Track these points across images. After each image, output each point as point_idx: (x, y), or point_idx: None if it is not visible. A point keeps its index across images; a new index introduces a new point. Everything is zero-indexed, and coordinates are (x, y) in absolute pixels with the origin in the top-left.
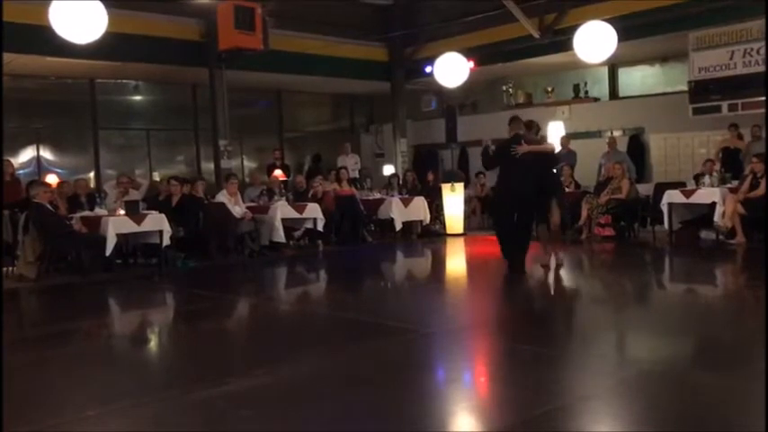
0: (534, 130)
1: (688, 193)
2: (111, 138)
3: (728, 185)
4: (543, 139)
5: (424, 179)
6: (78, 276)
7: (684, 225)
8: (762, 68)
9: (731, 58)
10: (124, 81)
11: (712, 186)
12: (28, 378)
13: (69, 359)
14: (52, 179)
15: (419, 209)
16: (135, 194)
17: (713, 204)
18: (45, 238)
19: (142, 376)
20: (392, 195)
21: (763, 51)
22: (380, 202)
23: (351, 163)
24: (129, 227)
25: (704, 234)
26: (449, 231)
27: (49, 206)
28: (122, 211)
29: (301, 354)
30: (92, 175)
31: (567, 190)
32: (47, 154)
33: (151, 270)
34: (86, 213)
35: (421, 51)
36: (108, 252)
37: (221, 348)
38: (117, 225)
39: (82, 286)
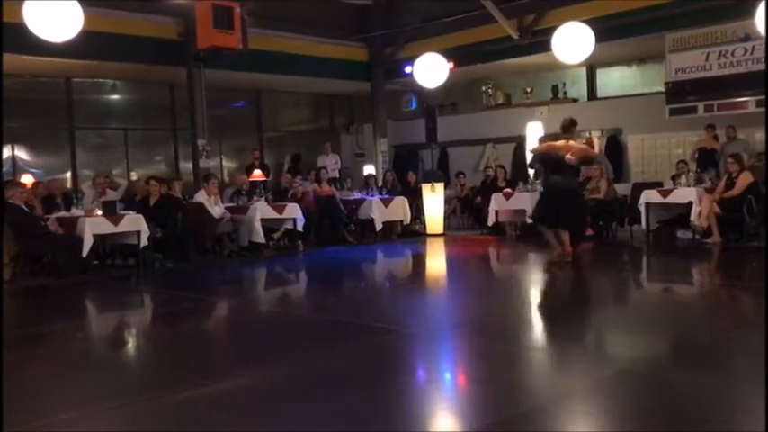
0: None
1: (665, 193)
2: (87, 137)
3: (704, 185)
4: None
5: (404, 179)
6: (54, 278)
7: (661, 225)
8: (736, 70)
9: (707, 60)
10: (101, 80)
11: (688, 186)
12: (3, 381)
13: (45, 362)
14: (27, 179)
15: (399, 209)
16: (112, 195)
17: (690, 204)
18: (20, 239)
19: (119, 379)
20: (372, 196)
21: (737, 53)
22: (360, 202)
23: (331, 163)
24: (106, 227)
25: (681, 233)
26: (429, 231)
27: (24, 207)
28: (99, 212)
29: (280, 355)
30: (68, 175)
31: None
32: (22, 154)
33: (128, 271)
34: (62, 214)
35: (401, 52)
36: (84, 253)
37: (199, 350)
38: (94, 226)
39: (58, 288)
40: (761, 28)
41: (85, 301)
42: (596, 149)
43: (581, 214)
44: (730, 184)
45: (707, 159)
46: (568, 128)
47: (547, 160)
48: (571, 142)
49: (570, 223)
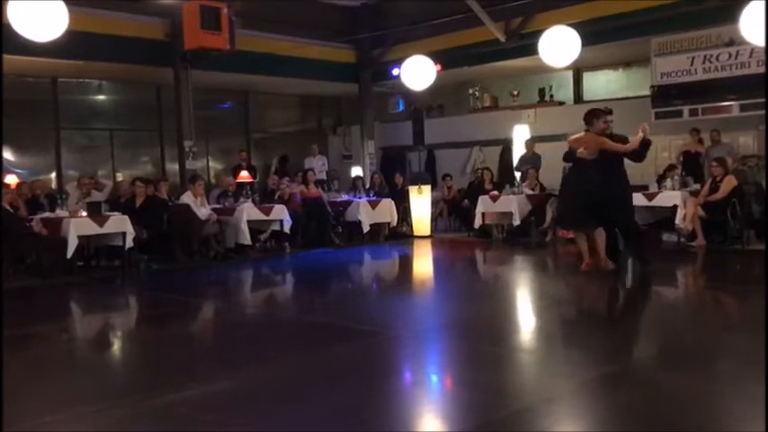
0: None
1: (650, 197)
2: (73, 138)
3: (689, 189)
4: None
5: (391, 181)
6: (38, 279)
7: (647, 227)
8: (720, 74)
9: (692, 64)
10: (87, 80)
11: (674, 190)
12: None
13: (28, 364)
14: (12, 180)
15: (386, 211)
16: (98, 196)
17: (675, 207)
18: (4, 239)
19: (103, 381)
20: (359, 197)
21: (722, 58)
22: (348, 204)
23: (318, 165)
24: (91, 228)
25: (666, 236)
26: (416, 233)
27: (8, 207)
28: (84, 213)
29: (266, 358)
30: (53, 175)
31: (531, 192)
32: (6, 154)
33: (113, 273)
34: (47, 215)
35: (388, 54)
36: (69, 254)
37: (184, 353)
38: (78, 227)
39: (42, 289)
40: (745, 33)
41: (70, 302)
42: (635, 140)
43: (624, 215)
44: (714, 187)
45: (691, 163)
46: (587, 119)
47: (567, 156)
48: (589, 134)
49: (618, 227)
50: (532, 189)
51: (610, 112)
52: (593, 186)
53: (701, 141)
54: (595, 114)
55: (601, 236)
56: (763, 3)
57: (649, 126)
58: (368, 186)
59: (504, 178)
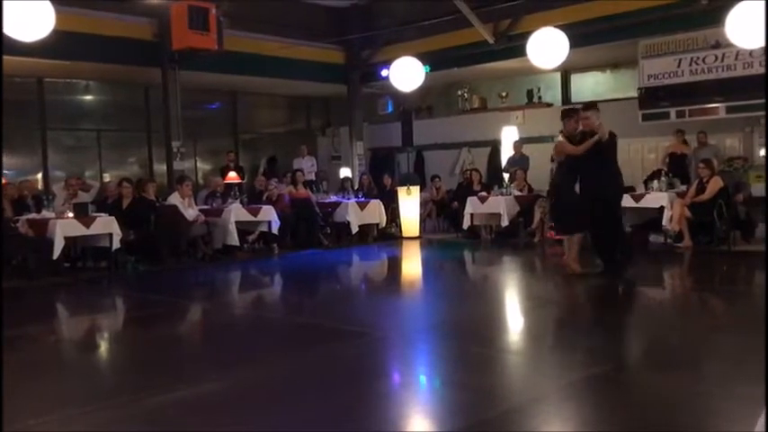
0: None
1: (637, 198)
2: (60, 138)
3: (676, 190)
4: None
5: (380, 182)
6: (24, 280)
7: (634, 229)
8: (707, 77)
9: (678, 66)
10: (74, 80)
11: (660, 191)
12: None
13: (14, 366)
14: None
15: (375, 212)
16: (85, 196)
17: (662, 209)
18: None
19: (91, 383)
20: (348, 198)
21: (708, 60)
22: (336, 205)
23: (307, 165)
24: (78, 230)
25: (653, 237)
26: (404, 234)
27: None
28: (71, 214)
29: (254, 359)
30: (39, 176)
31: (519, 193)
32: None
33: (100, 274)
34: (33, 216)
35: (377, 55)
36: (55, 255)
37: (172, 354)
38: (65, 228)
39: (28, 290)
40: (731, 36)
41: (57, 303)
42: (586, 143)
43: (613, 214)
44: (701, 188)
45: (677, 164)
46: (561, 119)
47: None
48: (560, 137)
49: (604, 225)
50: (521, 190)
51: (588, 107)
52: (586, 186)
53: (686, 143)
54: (566, 114)
55: (577, 238)
56: (752, 5)
57: (636, 128)
58: (356, 187)
59: (492, 179)
